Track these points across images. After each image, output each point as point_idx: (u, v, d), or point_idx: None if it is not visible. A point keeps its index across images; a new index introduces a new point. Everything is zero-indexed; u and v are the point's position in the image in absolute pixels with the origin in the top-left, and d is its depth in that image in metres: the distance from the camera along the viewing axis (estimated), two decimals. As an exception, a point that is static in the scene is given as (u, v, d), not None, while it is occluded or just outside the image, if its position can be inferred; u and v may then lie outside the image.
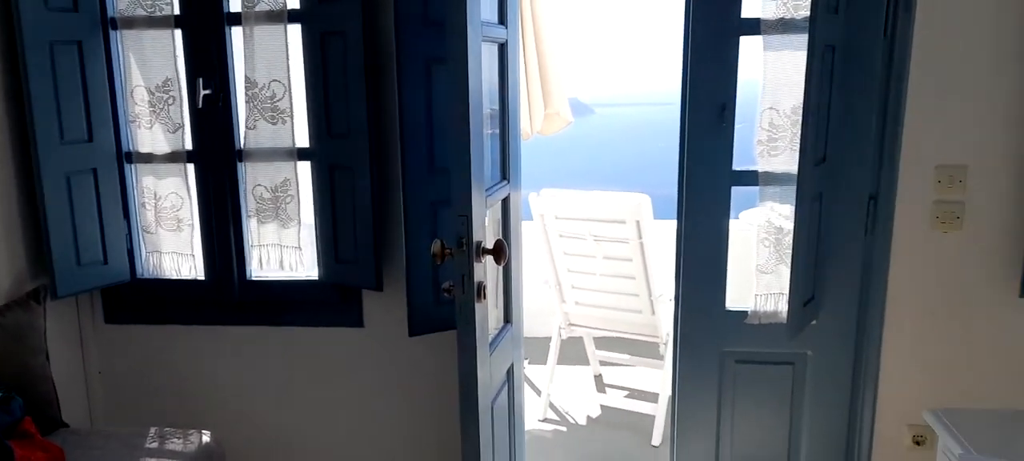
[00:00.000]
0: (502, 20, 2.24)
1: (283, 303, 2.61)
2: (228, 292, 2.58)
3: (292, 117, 2.42)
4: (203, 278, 2.59)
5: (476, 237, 1.78)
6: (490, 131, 2.18)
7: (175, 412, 2.67)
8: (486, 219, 1.95)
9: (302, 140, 2.44)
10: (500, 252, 1.85)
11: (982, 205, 2.19)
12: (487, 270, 1.87)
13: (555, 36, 3.47)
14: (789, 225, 2.18)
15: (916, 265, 2.25)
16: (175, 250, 2.56)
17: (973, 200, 2.19)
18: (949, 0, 2.08)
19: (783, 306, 2.29)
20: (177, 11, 2.44)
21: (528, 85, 3.37)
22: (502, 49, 2.25)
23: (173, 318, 2.65)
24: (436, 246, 1.80)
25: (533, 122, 3.46)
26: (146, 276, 2.63)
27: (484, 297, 1.83)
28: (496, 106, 2.24)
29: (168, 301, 2.65)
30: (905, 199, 2.21)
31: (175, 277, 2.59)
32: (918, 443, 2.37)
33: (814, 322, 2.39)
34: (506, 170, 2.31)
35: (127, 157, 2.54)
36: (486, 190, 1.96)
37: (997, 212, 2.19)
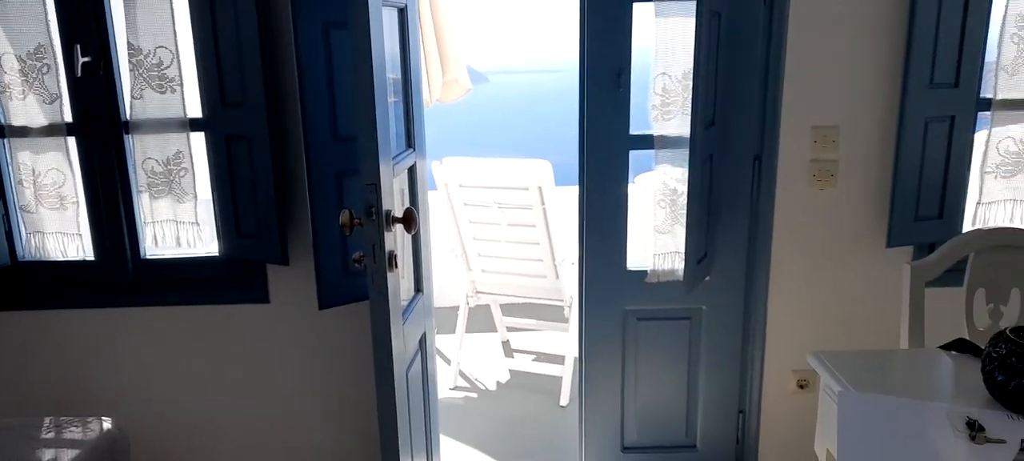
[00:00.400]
0: (402, -15, 2.22)
1: (182, 281, 2.51)
2: (121, 272, 2.45)
3: (182, 85, 2.31)
4: (93, 258, 2.45)
5: (385, 206, 1.78)
6: (394, 98, 2.17)
7: (73, 400, 2.54)
8: (394, 187, 1.95)
9: (195, 110, 2.34)
10: (410, 220, 1.86)
11: (853, 164, 2.38)
12: (397, 239, 1.87)
13: (450, 2, 3.46)
14: (683, 187, 2.29)
15: (796, 221, 2.43)
16: (60, 230, 2.41)
17: (845, 159, 2.38)
18: (823, -28, 2.24)
19: (679, 264, 2.41)
20: (46, -29, 2.27)
21: (426, 52, 3.35)
22: (402, 14, 2.23)
23: (62, 302, 2.50)
24: (345, 216, 1.78)
25: (433, 90, 3.46)
26: (28, 259, 2.46)
27: (396, 266, 1.83)
28: (398, 73, 2.23)
29: (55, 285, 2.49)
30: (786, 159, 2.37)
31: (61, 258, 2.44)
32: (802, 387, 2.58)
33: (708, 278, 2.53)
34: (411, 138, 2.31)
35: (-1, 131, 2.36)
36: (393, 158, 1.96)
37: (866, 170, 2.39)
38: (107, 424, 2.18)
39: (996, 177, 2.37)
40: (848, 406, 1.59)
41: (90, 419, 2.17)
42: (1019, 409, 1.48)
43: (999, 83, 2.28)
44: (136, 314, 2.53)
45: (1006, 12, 2.23)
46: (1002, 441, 1.41)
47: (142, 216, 2.42)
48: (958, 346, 1.82)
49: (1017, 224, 2.38)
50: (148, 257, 2.49)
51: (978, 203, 2.40)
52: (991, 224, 2.38)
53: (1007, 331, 1.53)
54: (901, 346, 2.04)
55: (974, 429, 1.44)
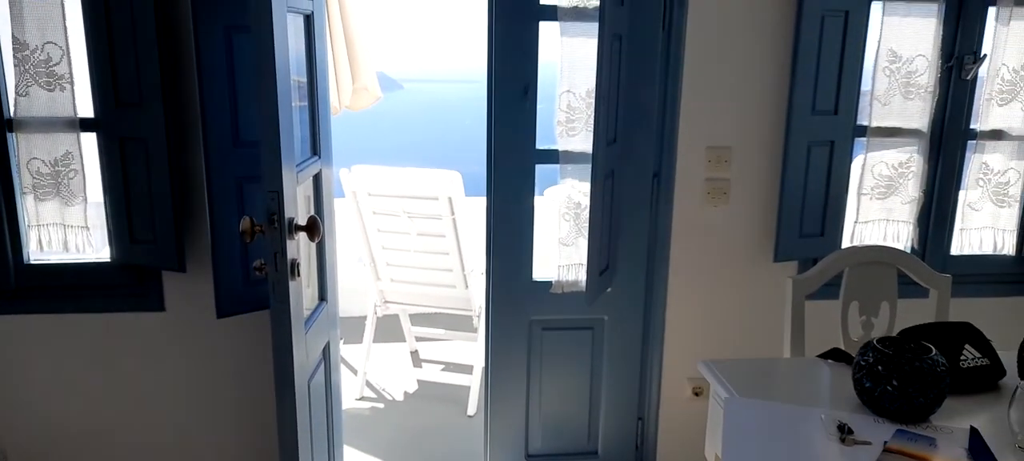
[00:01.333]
0: (308, -8, 2.20)
1: (71, 288, 2.39)
2: (2, 278, 2.31)
3: (72, 83, 2.20)
4: (-33, 263, 2.30)
5: (288, 213, 1.76)
6: (299, 105, 2.14)
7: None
8: (298, 195, 1.93)
9: (86, 110, 2.24)
10: (314, 228, 1.84)
11: (744, 182, 2.52)
12: (300, 247, 1.85)
13: (361, 10, 3.44)
14: (587, 201, 2.37)
15: (693, 235, 2.55)
16: (-70, 232, 2.25)
17: (737, 178, 2.51)
18: (715, 2, 2.36)
19: (582, 276, 2.48)
20: (-77, -41, 2.12)
21: (335, 60, 3.32)
22: (308, 21, 2.21)
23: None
24: (245, 223, 1.75)
25: (342, 97, 3.42)
26: None
27: (298, 274, 1.82)
28: (304, 80, 2.21)
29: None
30: (682, 176, 2.49)
31: (-69, 263, 2.28)
32: (697, 394, 2.69)
33: (609, 289, 2.62)
34: (317, 145, 2.28)
35: None
36: (297, 165, 1.94)
37: (756, 189, 2.53)
38: (-20, 440, 2.05)
39: (871, 198, 2.56)
40: (733, 411, 1.68)
41: (-38, 435, 2.03)
42: (884, 413, 1.60)
43: (874, 111, 2.47)
44: (19, 322, 2.38)
45: (879, 47, 2.42)
46: (868, 442, 1.52)
47: (26, 219, 2.29)
48: (834, 355, 1.95)
49: (889, 242, 2.58)
50: (32, 262, 2.35)
51: (855, 222, 2.58)
52: (867, 242, 2.57)
53: (874, 341, 1.65)
54: (784, 354, 2.17)
55: (844, 432, 1.54)
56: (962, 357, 1.76)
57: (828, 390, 1.85)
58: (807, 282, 2.15)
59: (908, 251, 2.49)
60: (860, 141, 2.52)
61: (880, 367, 1.59)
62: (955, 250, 2.70)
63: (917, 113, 2.47)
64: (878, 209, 2.57)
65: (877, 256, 2.19)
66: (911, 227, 2.57)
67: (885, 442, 1.51)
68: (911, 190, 2.54)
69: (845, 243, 2.59)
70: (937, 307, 2.15)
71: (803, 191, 2.48)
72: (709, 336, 2.64)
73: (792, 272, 2.55)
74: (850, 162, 2.53)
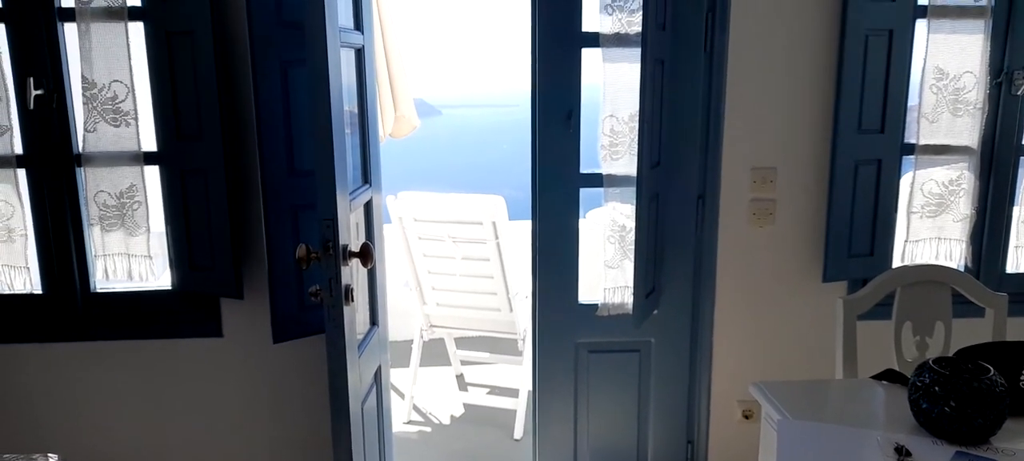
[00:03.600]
0: (358, 26, 2.28)
1: (134, 315, 2.48)
2: (70, 306, 2.42)
3: (137, 119, 2.31)
4: (41, 292, 2.41)
5: (342, 240, 1.82)
6: (350, 135, 2.21)
7: (19, 436, 2.48)
8: (351, 222, 1.99)
9: (149, 144, 2.34)
10: (367, 255, 1.89)
11: (790, 203, 2.51)
12: (354, 273, 1.91)
13: (401, 39, 3.54)
14: (631, 223, 2.39)
15: (739, 257, 2.54)
16: (7, 263, 2.36)
17: (782, 198, 2.51)
18: (758, 23, 2.38)
19: (628, 298, 2.49)
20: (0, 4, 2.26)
21: (379, 89, 3.41)
22: (359, 55, 2.29)
23: (8, 337, 2.45)
24: (301, 251, 1.81)
25: (385, 126, 3.51)
26: (-28, 292, 2.41)
27: (352, 300, 1.87)
28: (355, 111, 2.28)
29: (1, 318, 2.44)
30: (727, 198, 2.49)
31: (7, 291, 2.39)
32: (747, 417, 2.67)
33: (656, 311, 2.62)
34: (367, 174, 2.35)
35: (-55, 163, 2.32)
36: (350, 193, 2.00)
37: (802, 209, 2.52)
38: (53, 460, 2.13)
39: (921, 217, 2.53)
40: (786, 433, 1.67)
41: (36, 457, 2.11)
42: (942, 435, 1.58)
43: (921, 129, 2.44)
44: (86, 349, 2.49)
45: (925, 64, 2.40)
46: (926, 465, 1.51)
47: (93, 249, 2.39)
48: (888, 376, 1.93)
49: (941, 261, 2.53)
50: (98, 291, 2.46)
51: (906, 241, 2.54)
52: (918, 261, 2.53)
53: (930, 362, 1.63)
54: (836, 376, 2.15)
55: (902, 454, 1.52)
56: (1022, 377, 1.73)
57: (883, 412, 1.83)
58: (858, 302, 2.13)
59: (961, 270, 2.45)
60: (908, 159, 2.49)
61: (937, 388, 1.57)
62: (1011, 268, 2.64)
63: (966, 130, 2.44)
64: (929, 228, 2.54)
65: (930, 275, 2.16)
66: (964, 245, 2.53)
67: (944, 464, 1.49)
68: (963, 208, 2.50)
69: (895, 262, 2.55)
70: (994, 326, 2.11)
71: (851, 210, 2.46)
72: (758, 358, 2.63)
73: (841, 292, 2.52)
74: (898, 180, 2.50)
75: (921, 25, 2.39)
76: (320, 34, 1.73)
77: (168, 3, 2.24)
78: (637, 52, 2.23)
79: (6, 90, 2.28)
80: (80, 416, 2.54)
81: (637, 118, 2.26)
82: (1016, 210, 2.62)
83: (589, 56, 2.42)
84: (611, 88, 2.38)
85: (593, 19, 2.37)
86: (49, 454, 2.15)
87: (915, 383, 1.62)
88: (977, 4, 2.36)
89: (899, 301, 2.14)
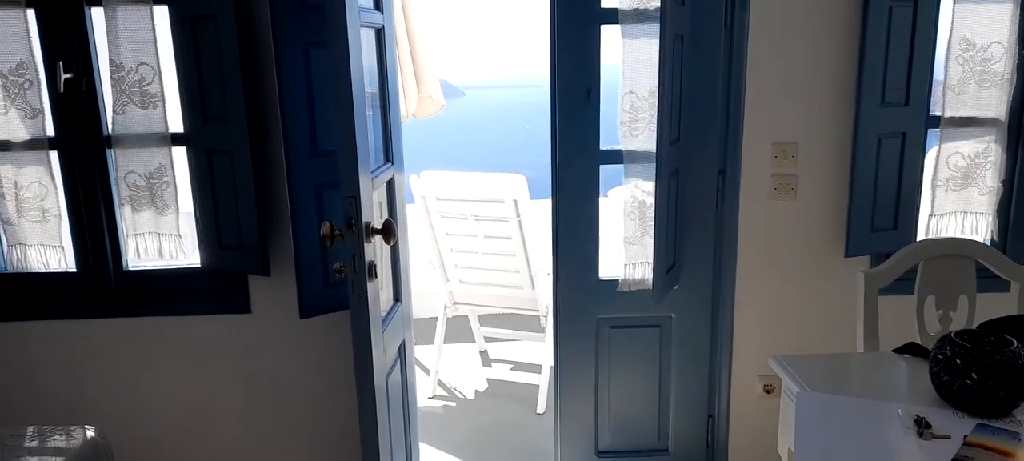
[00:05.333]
0: (378, 6, 2.30)
1: (164, 292, 2.56)
2: (103, 284, 2.49)
3: (164, 101, 2.36)
4: (75, 270, 2.49)
5: (365, 218, 1.85)
6: (372, 115, 2.24)
7: (56, 410, 2.57)
8: (373, 200, 2.02)
9: (176, 125, 2.39)
10: (389, 231, 1.93)
11: (811, 177, 2.50)
12: (377, 250, 1.94)
13: (424, 21, 3.55)
14: (651, 199, 2.39)
15: (760, 232, 2.54)
16: (42, 242, 2.44)
17: (804, 173, 2.49)
18: (780, -3, 2.36)
19: (649, 274, 2.50)
20: (29, -11, 2.32)
21: (401, 70, 3.43)
22: (379, 34, 2.31)
23: (45, 314, 2.54)
24: (325, 228, 1.84)
25: (408, 106, 3.54)
26: (10, 271, 2.48)
27: (375, 276, 1.90)
28: (376, 91, 2.31)
29: (37, 296, 2.53)
30: (748, 173, 2.48)
31: (43, 270, 2.47)
32: (768, 391, 2.68)
33: (676, 287, 2.63)
34: (389, 153, 2.38)
35: (-19, 146, 2.39)
36: (371, 172, 2.03)
37: (824, 183, 2.50)
38: (90, 433, 2.21)
39: (947, 190, 2.50)
40: (805, 405, 1.68)
41: (73, 428, 2.20)
42: (963, 407, 1.57)
43: (947, 101, 2.41)
44: (118, 325, 2.56)
45: (951, 35, 2.36)
46: (947, 437, 1.50)
47: (124, 228, 2.46)
48: (910, 349, 1.92)
49: (967, 234, 2.51)
50: (130, 269, 2.53)
51: (930, 215, 2.52)
52: (943, 235, 2.50)
53: (952, 334, 1.63)
54: (858, 350, 2.14)
55: (922, 426, 1.52)
56: (1046, 350, 1.71)
57: (904, 385, 1.83)
58: (880, 276, 2.11)
59: (987, 243, 2.42)
60: (933, 132, 2.46)
61: (959, 360, 1.56)
62: (1038, 241, 2.60)
63: (994, 102, 2.40)
64: (954, 201, 2.51)
65: (954, 248, 2.14)
66: (990, 219, 2.50)
67: (965, 436, 1.48)
68: (989, 181, 2.47)
69: (920, 236, 2.53)
70: (1019, 300, 2.08)
71: (874, 185, 2.44)
72: (779, 333, 2.62)
73: (864, 267, 2.50)
74: (923, 154, 2.47)
75: (947, -6, 2.35)
76: (340, 15, 1.75)
77: (191, -16, 2.27)
78: (656, 27, 2.22)
79: (37, 74, 2.35)
80: (114, 390, 2.62)
81: (657, 94, 2.26)
82: (1045, 183, 2.57)
83: (608, 33, 2.42)
84: (630, 64, 2.37)
85: (612, -5, 2.37)
86: (86, 426, 2.24)
87: (936, 355, 1.62)
88: (1006, -28, 2.31)
89: (922, 275, 2.12)
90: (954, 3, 2.34)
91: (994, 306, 1.99)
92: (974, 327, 1.85)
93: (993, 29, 2.35)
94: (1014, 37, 2.35)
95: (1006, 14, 2.33)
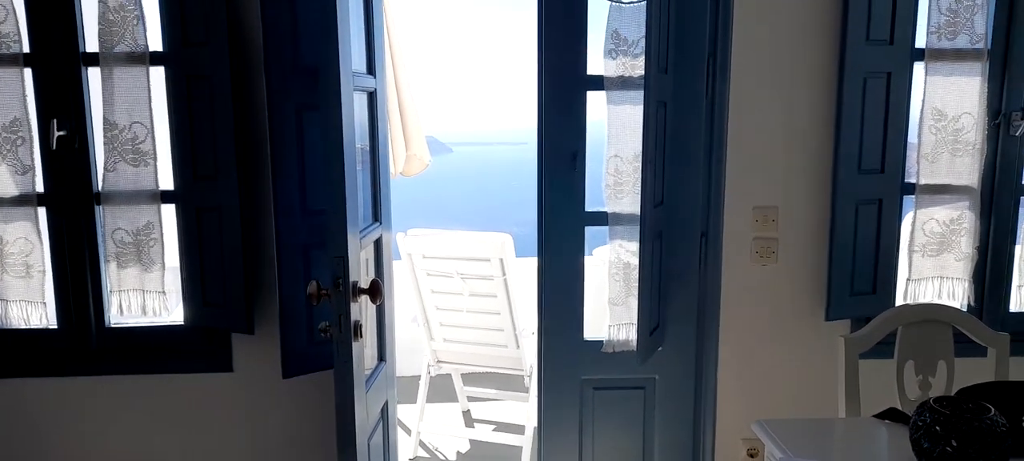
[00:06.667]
0: (371, 70, 2.36)
1: (146, 350, 2.53)
2: (85, 340, 2.47)
3: (155, 159, 2.38)
4: (56, 327, 2.47)
5: (352, 277, 1.86)
6: (362, 174, 2.28)
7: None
8: (361, 259, 2.03)
9: (166, 182, 2.41)
10: (376, 291, 1.94)
11: (792, 241, 2.54)
12: (363, 309, 1.95)
13: (413, 81, 3.63)
14: (636, 261, 2.42)
15: (742, 294, 2.57)
16: (24, 298, 2.42)
17: (785, 237, 2.54)
18: (758, 66, 2.44)
19: (633, 335, 2.52)
20: (27, 49, 2.35)
21: (391, 129, 3.49)
22: (371, 97, 2.36)
23: (22, 371, 2.50)
24: (312, 287, 1.86)
25: (396, 164, 3.58)
26: (-11, 327, 2.46)
27: (361, 336, 1.91)
28: (367, 152, 2.35)
29: (16, 353, 2.49)
30: (730, 236, 2.53)
31: (23, 327, 2.44)
32: (752, 456, 2.67)
33: (660, 348, 2.64)
34: (378, 212, 2.41)
35: (-33, 200, 2.39)
36: (360, 231, 2.05)
37: (804, 248, 2.55)
38: (64, 495, 2.17)
39: (923, 256, 2.55)
40: (787, 471, 1.69)
41: (47, 489, 2.16)
42: (943, 474, 1.59)
43: (921, 169, 2.48)
44: (99, 383, 2.53)
45: (923, 106, 2.44)
46: (927, 503, 1.51)
47: (109, 285, 2.45)
48: (891, 415, 1.94)
49: (944, 300, 2.55)
50: (112, 326, 2.51)
51: (908, 279, 2.57)
52: (920, 299, 2.55)
53: (931, 401, 1.65)
54: (839, 414, 2.16)
55: (902, 492, 1.54)
56: None
57: (885, 451, 1.84)
58: (860, 341, 2.14)
59: (964, 309, 2.46)
60: (909, 199, 2.53)
61: (938, 427, 1.58)
62: (1014, 307, 2.65)
63: (966, 170, 2.47)
64: (931, 266, 2.56)
65: (931, 314, 2.18)
66: (966, 284, 2.55)
67: (945, 503, 1.49)
68: (964, 247, 2.53)
69: (898, 301, 2.57)
70: (996, 366, 2.12)
71: (853, 249, 2.49)
72: (762, 395, 2.64)
73: (844, 331, 2.53)
74: (900, 220, 2.53)
75: (919, 67, 2.44)
76: (334, 81, 1.79)
77: (189, 49, 2.32)
78: (640, 95, 2.29)
79: (30, 131, 2.36)
80: (92, 449, 2.57)
81: (641, 158, 2.31)
82: (1018, 249, 2.64)
83: (594, 98, 2.49)
84: (615, 129, 2.43)
85: (597, 63, 2.44)
86: (62, 487, 2.19)
87: (916, 422, 1.63)
88: (974, 47, 2.41)
89: (901, 340, 2.15)
90: (925, 75, 2.43)
91: (972, 371, 2.02)
92: (953, 393, 1.88)
93: (963, 100, 2.44)
94: (983, 108, 2.44)
95: (974, 87, 2.42)
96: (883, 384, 2.12)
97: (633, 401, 2.69)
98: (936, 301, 2.53)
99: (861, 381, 2.13)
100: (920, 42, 2.43)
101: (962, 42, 2.41)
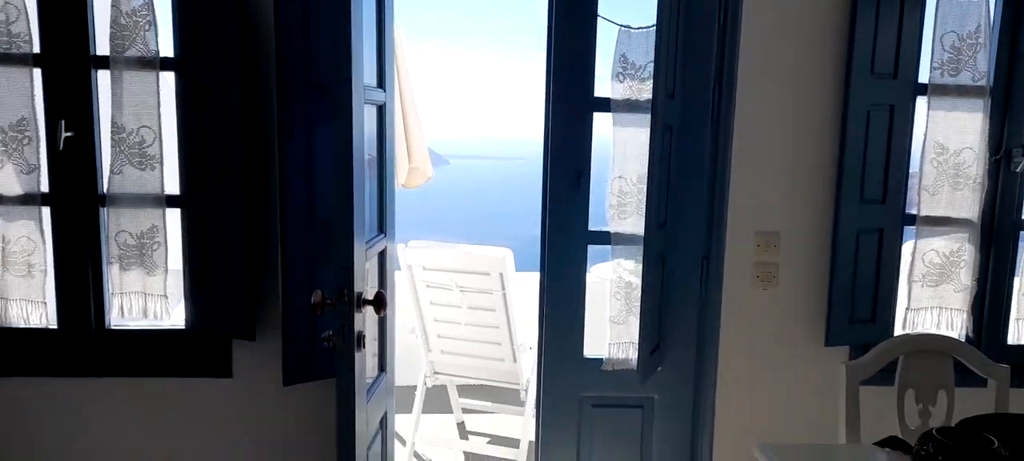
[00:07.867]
0: (380, 84, 2.37)
1: (145, 353, 2.52)
2: (84, 341, 2.46)
3: (161, 163, 2.38)
4: (56, 327, 2.46)
5: (357, 288, 1.87)
6: (369, 186, 2.28)
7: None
8: (366, 270, 2.04)
9: (172, 186, 2.41)
10: (380, 303, 1.94)
11: (793, 267, 2.56)
12: (366, 320, 1.95)
13: (417, 93, 3.65)
14: (638, 280, 2.43)
15: (742, 317, 2.58)
16: (24, 297, 2.41)
17: (786, 262, 2.56)
18: (763, 94, 2.46)
19: (633, 354, 2.53)
20: (37, 49, 2.35)
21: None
22: (380, 111, 2.37)
23: (20, 370, 2.49)
24: (317, 296, 1.86)
25: (399, 176, 3.59)
26: (-12, 325, 2.45)
27: (363, 346, 1.91)
28: (375, 164, 2.36)
29: (13, 351, 2.48)
30: (732, 260, 2.54)
31: (23, 326, 2.43)
32: (747, 478, 2.67)
33: (660, 368, 2.65)
34: (383, 224, 2.42)
35: (-28, 199, 2.39)
36: (366, 243, 2.06)
37: (804, 273, 2.57)
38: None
39: (923, 286, 2.57)
40: (787, 497, 1.69)
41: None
42: (944, 504, 1.59)
43: (922, 201, 2.51)
44: (97, 384, 2.52)
45: (925, 139, 2.47)
46: (926, 533, 1.52)
47: (110, 287, 2.44)
48: (891, 443, 1.95)
49: (943, 330, 2.57)
50: (112, 327, 2.50)
51: (907, 309, 2.58)
52: (919, 328, 2.56)
53: (933, 431, 1.66)
54: (839, 440, 2.16)
55: (901, 522, 1.54)
56: (1024, 451, 1.75)
57: (884, 479, 1.85)
58: (861, 368, 2.16)
59: (963, 340, 2.48)
60: (910, 229, 2.55)
61: (941, 457, 1.59)
62: (1012, 340, 2.67)
63: (966, 203, 2.50)
64: (930, 296, 2.58)
65: (932, 344, 2.19)
66: (965, 315, 2.57)
67: (944, 534, 1.50)
68: (963, 278, 2.55)
69: (897, 330, 2.59)
70: (997, 398, 2.13)
71: (853, 277, 2.50)
72: (760, 418, 2.64)
73: (843, 357, 2.55)
74: (900, 250, 2.56)
75: (922, 102, 2.47)
76: (346, 94, 1.81)
77: (200, 56, 2.32)
78: (647, 118, 2.31)
79: (37, 131, 2.36)
80: (88, 451, 2.55)
81: (645, 180, 2.33)
82: (1017, 282, 2.66)
83: (600, 119, 2.51)
84: (620, 150, 2.45)
85: (605, 85, 2.46)
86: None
87: (919, 452, 1.64)
88: (976, 84, 2.45)
89: (901, 369, 2.17)
90: (928, 109, 2.46)
91: (972, 402, 2.03)
92: (953, 423, 1.89)
93: (964, 135, 2.47)
94: (984, 144, 2.46)
95: (976, 122, 2.45)
96: (883, 411, 2.13)
97: (631, 420, 2.69)
98: (935, 331, 2.54)
99: (861, 407, 2.14)
100: (923, 77, 2.47)
101: (965, 79, 2.44)
